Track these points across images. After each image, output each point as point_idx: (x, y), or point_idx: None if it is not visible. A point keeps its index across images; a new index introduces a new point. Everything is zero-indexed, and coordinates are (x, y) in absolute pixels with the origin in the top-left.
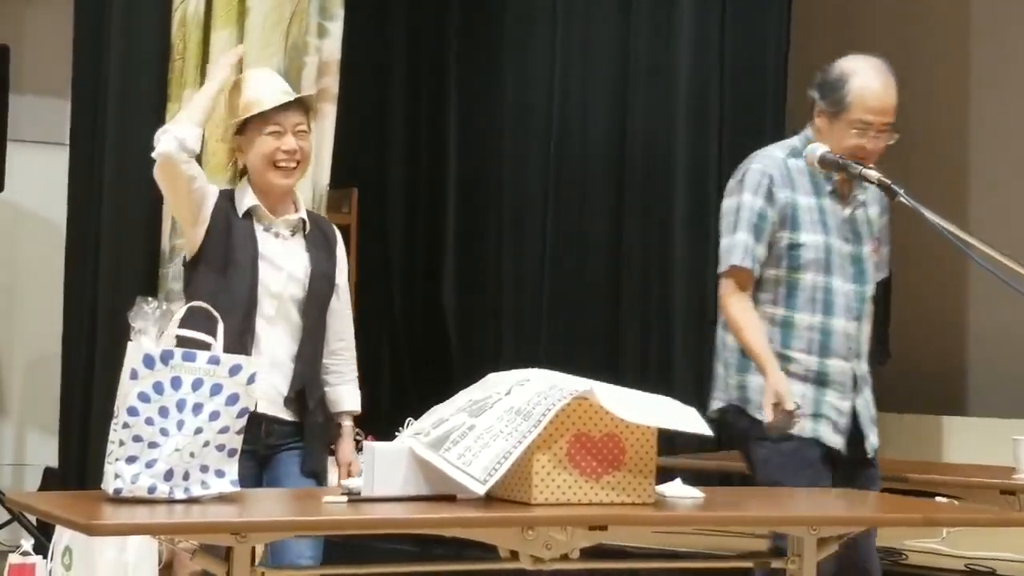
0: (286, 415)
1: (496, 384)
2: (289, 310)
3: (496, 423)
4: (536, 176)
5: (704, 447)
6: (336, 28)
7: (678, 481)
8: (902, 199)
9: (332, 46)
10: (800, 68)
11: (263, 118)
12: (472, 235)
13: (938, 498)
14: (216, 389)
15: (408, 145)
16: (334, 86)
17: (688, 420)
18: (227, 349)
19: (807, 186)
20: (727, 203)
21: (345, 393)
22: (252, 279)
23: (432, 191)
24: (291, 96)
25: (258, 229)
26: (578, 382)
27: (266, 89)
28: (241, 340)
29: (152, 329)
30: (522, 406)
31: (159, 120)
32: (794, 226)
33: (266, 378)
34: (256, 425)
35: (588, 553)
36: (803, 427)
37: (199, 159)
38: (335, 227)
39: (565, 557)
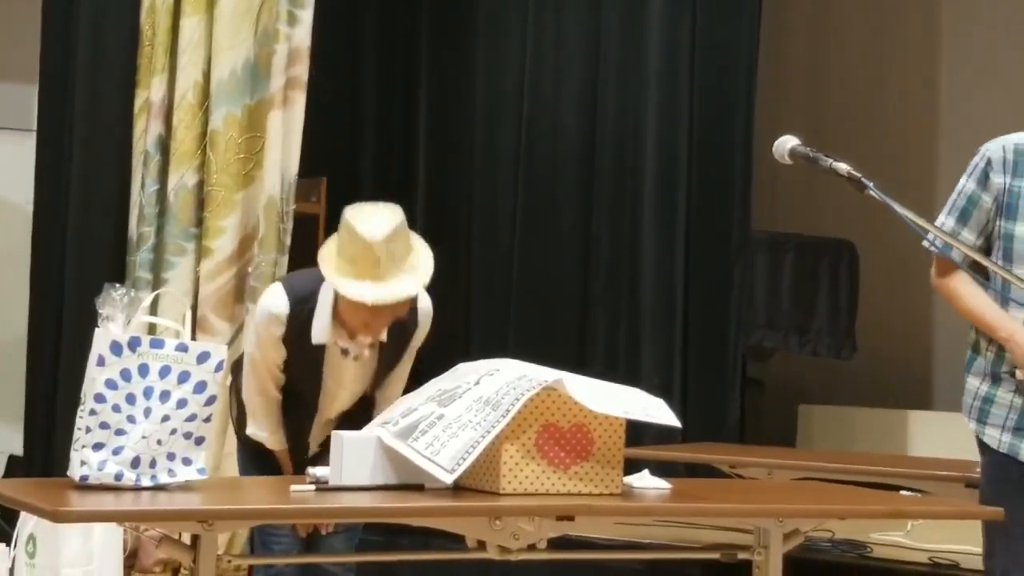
0: None
1: (465, 374)
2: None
3: (465, 413)
4: (506, 167)
5: (671, 438)
6: (306, 16)
7: (646, 472)
8: (871, 192)
9: (302, 34)
10: (770, 65)
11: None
12: (442, 225)
13: (903, 491)
14: (184, 377)
15: (378, 135)
16: (304, 74)
17: (657, 411)
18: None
19: None
20: None
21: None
22: (313, 410)
23: (402, 181)
24: (388, 298)
25: (331, 351)
26: (547, 372)
27: (366, 266)
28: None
29: (119, 316)
30: (491, 396)
31: (127, 107)
32: (1008, 214)
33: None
34: None
35: (555, 544)
36: (1000, 441)
37: (166, 148)
38: (424, 313)
39: (532, 547)
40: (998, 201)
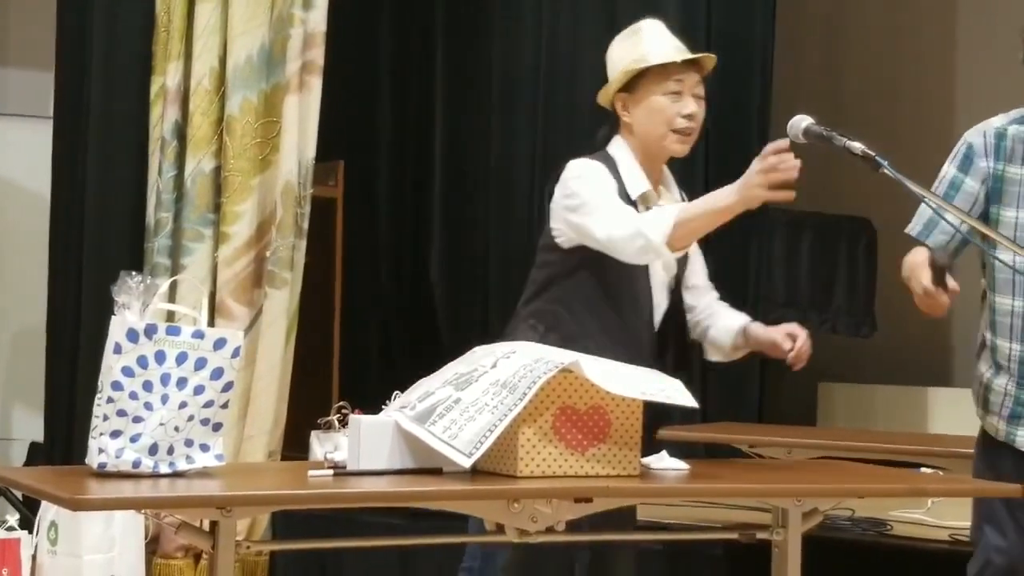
0: None
1: (482, 357)
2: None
3: (482, 396)
4: (524, 149)
5: (690, 419)
6: (321, 0)
7: (664, 453)
8: (886, 171)
9: (318, 18)
10: (786, 42)
11: (662, 73)
12: (460, 208)
13: (923, 469)
14: (200, 363)
15: (395, 118)
16: (320, 58)
17: (673, 392)
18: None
19: None
20: None
21: (727, 316)
22: (647, 284)
23: (419, 164)
24: (692, 54)
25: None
26: (563, 355)
27: (664, 43)
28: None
29: (135, 303)
30: (507, 379)
31: (143, 93)
32: (995, 199)
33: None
34: None
35: (574, 526)
36: (998, 429)
37: (183, 134)
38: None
39: (551, 530)
40: (986, 185)
